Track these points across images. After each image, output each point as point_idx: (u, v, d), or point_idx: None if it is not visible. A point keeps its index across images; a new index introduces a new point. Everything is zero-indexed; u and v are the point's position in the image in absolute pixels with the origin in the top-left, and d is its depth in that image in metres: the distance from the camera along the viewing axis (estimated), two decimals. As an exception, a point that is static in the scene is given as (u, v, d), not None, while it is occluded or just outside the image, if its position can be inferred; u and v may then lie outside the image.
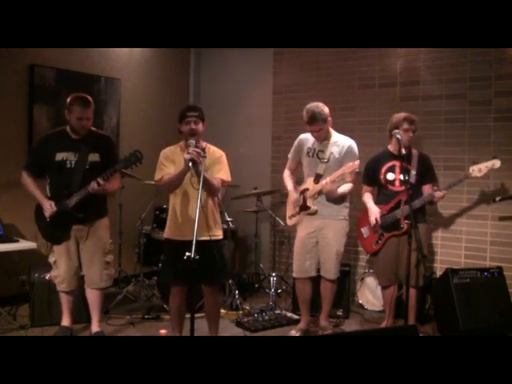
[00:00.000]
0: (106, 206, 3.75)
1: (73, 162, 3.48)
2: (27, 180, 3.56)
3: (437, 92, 4.43)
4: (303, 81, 5.22)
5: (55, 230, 3.55)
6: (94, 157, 3.53)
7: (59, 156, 3.48)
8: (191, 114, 3.17)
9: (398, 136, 3.58)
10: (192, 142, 3.03)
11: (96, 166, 3.48)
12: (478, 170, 3.68)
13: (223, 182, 3.28)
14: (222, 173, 3.25)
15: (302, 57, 5.21)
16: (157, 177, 3.27)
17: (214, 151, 3.31)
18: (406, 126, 3.75)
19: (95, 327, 3.71)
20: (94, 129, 3.63)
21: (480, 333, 3.49)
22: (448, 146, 4.39)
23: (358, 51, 4.81)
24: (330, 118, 3.69)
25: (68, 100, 3.49)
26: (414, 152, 3.88)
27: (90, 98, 3.52)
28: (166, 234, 3.35)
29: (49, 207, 3.48)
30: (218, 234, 3.33)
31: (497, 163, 3.66)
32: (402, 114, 3.80)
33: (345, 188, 3.72)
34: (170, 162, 3.23)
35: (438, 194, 3.68)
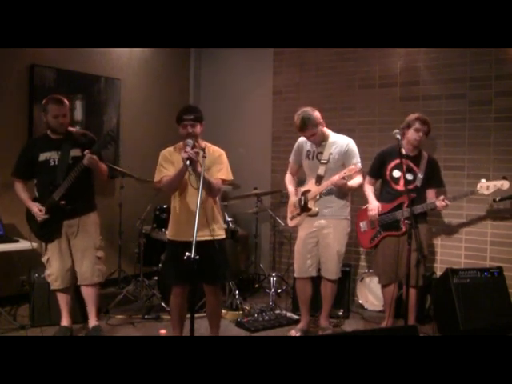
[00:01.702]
0: (94, 200, 3.81)
1: (56, 160, 3.58)
2: (18, 186, 3.68)
3: (437, 92, 4.43)
4: (303, 81, 5.22)
5: (46, 228, 3.60)
6: (75, 152, 3.61)
7: (42, 156, 3.60)
8: (187, 118, 3.13)
9: (398, 136, 3.58)
10: (190, 141, 3.02)
11: (79, 161, 3.52)
12: (486, 187, 3.68)
13: (224, 181, 3.27)
14: (221, 172, 3.24)
15: (302, 57, 5.20)
16: (156, 178, 3.26)
17: (214, 150, 3.30)
18: (417, 125, 3.76)
19: (93, 321, 3.74)
20: (73, 129, 3.77)
21: (480, 333, 3.49)
22: (448, 146, 4.39)
23: (358, 51, 4.81)
24: (321, 121, 3.68)
25: (42, 103, 3.62)
26: (424, 155, 3.88)
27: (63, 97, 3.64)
28: (169, 235, 3.35)
29: (37, 211, 3.56)
30: (220, 234, 3.31)
31: (506, 184, 3.65)
32: (415, 114, 3.82)
33: (354, 182, 3.72)
34: (169, 163, 3.22)
35: (441, 203, 3.68)
